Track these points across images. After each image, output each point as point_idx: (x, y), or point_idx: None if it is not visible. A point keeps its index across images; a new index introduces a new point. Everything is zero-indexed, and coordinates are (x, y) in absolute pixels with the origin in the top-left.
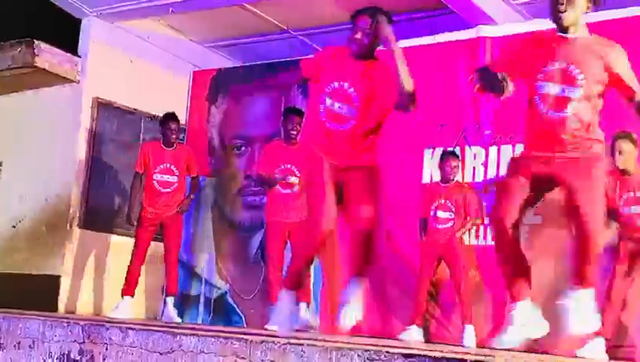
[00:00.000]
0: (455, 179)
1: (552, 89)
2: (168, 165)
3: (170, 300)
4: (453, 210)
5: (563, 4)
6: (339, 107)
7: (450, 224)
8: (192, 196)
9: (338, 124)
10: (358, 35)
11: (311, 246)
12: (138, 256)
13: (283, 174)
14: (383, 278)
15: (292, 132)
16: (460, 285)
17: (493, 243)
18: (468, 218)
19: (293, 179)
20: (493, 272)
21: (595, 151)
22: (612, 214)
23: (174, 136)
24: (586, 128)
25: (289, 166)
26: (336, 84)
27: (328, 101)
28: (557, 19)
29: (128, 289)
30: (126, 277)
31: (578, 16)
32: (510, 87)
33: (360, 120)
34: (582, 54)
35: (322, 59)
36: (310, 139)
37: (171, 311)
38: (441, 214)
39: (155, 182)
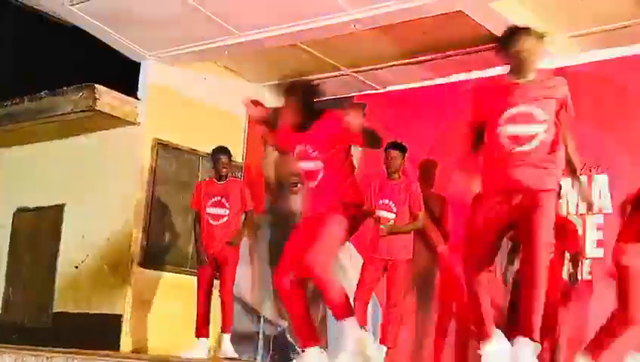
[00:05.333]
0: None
1: (516, 129)
2: (219, 198)
3: (227, 337)
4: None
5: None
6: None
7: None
8: (244, 231)
9: None
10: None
11: None
12: (200, 295)
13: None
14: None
15: (390, 167)
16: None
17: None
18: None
19: (388, 215)
20: None
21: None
22: None
23: (225, 170)
24: (546, 161)
25: (387, 201)
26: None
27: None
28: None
29: (200, 330)
30: (196, 319)
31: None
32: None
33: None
34: (537, 95)
35: None
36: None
37: (228, 349)
38: None
39: (207, 216)
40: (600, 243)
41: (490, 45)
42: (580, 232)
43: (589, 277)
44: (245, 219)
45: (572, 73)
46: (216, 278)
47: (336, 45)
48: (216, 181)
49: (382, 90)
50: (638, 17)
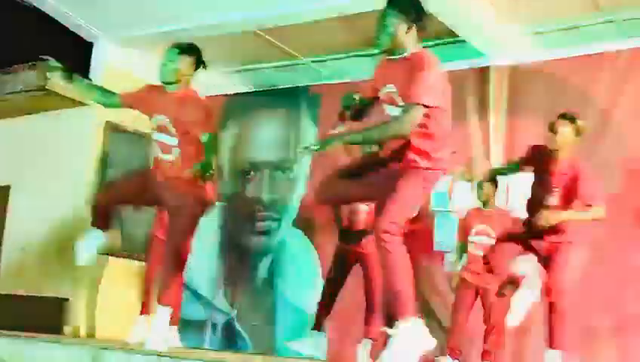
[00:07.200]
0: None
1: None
2: None
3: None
4: (494, 235)
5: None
6: None
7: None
8: None
9: None
10: None
11: None
12: (151, 267)
13: None
14: None
15: None
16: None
17: None
18: None
19: None
20: None
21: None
22: None
23: None
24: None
25: None
26: None
27: None
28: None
29: (147, 306)
30: (144, 294)
31: (396, 40)
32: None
33: None
34: (402, 73)
35: None
36: None
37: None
38: (480, 240)
39: None
40: None
41: (452, 39)
42: None
43: None
44: None
45: (528, 70)
46: None
47: (294, 33)
48: None
49: (339, 81)
50: (592, 18)
